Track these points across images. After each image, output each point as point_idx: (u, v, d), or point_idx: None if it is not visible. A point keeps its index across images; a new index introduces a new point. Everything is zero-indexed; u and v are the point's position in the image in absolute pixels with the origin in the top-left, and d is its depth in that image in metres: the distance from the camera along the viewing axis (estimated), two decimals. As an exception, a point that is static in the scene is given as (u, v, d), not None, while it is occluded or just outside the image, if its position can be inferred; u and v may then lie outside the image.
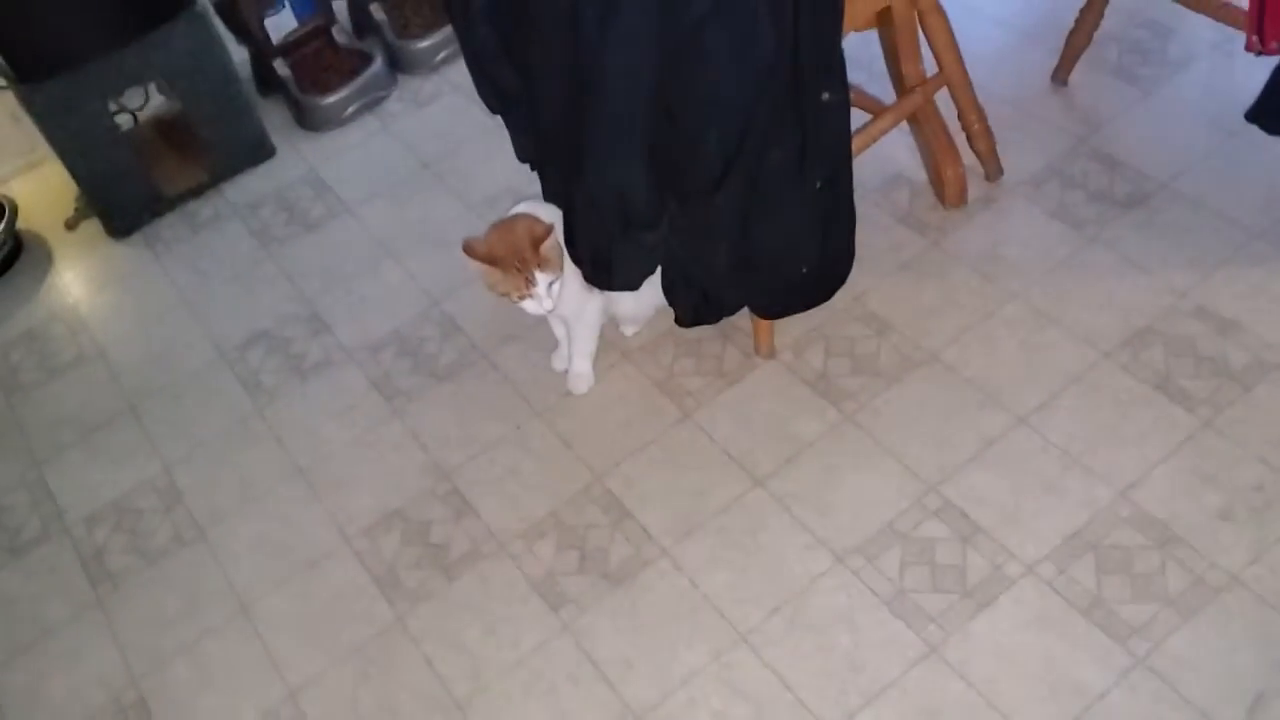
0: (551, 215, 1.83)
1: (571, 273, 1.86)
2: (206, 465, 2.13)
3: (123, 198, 2.64)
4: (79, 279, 2.64)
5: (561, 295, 1.82)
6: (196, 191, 2.69)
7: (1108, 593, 1.61)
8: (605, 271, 1.85)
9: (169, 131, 2.82)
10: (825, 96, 1.67)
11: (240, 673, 1.81)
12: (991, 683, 1.56)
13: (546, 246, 1.76)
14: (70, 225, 2.75)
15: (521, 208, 1.83)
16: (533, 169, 1.97)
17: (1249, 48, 1.88)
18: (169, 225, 2.66)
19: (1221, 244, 2.01)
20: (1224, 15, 1.98)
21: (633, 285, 1.89)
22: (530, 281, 1.78)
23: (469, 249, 1.76)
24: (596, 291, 1.93)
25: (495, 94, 1.87)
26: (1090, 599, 1.61)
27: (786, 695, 1.61)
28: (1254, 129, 1.90)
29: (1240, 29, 1.92)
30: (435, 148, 2.65)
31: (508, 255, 1.76)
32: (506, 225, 1.79)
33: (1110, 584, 1.62)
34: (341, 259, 2.45)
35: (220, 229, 2.60)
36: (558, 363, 2.10)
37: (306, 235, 2.52)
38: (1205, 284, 1.95)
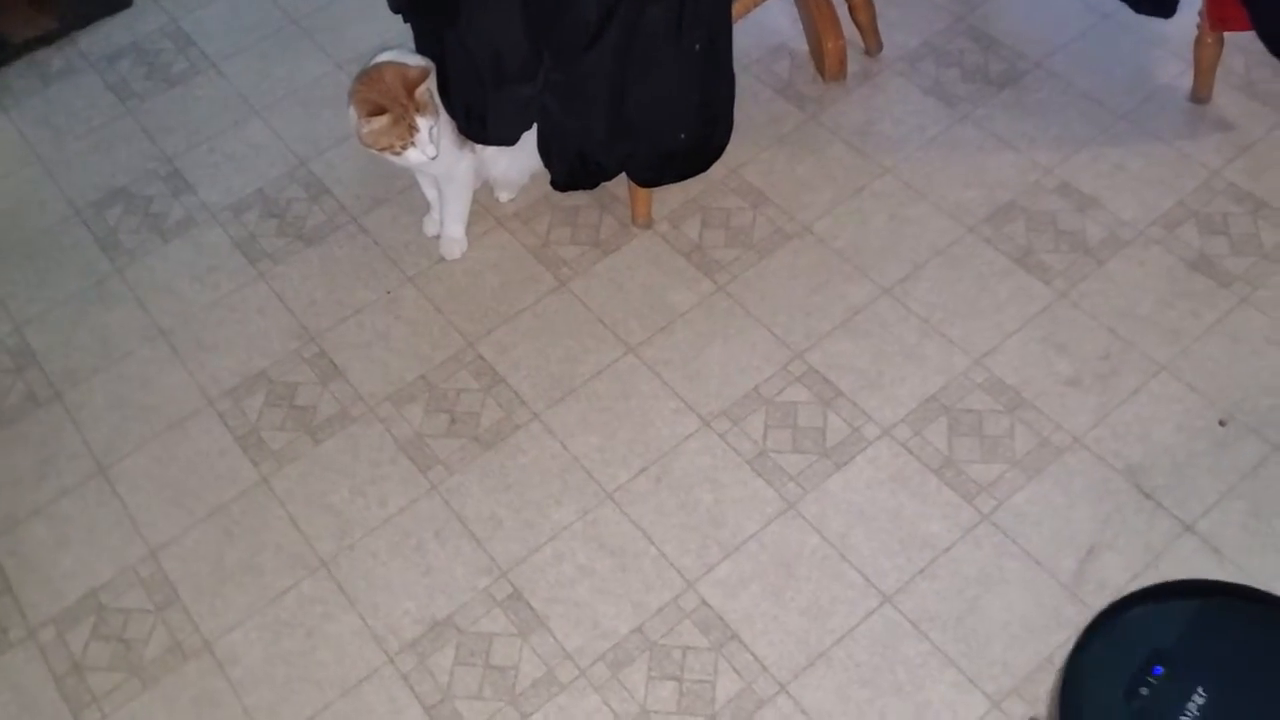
0: (416, 63, 1.77)
1: (446, 125, 1.82)
2: (62, 325, 2.04)
3: (-37, 42, 2.47)
4: (-81, 131, 2.48)
5: (440, 143, 1.78)
6: (46, 39, 2.53)
7: (958, 454, 1.68)
8: (480, 124, 1.81)
9: (15, -26, 2.63)
10: (704, -47, 1.64)
11: (99, 532, 1.77)
12: (845, 537, 1.62)
13: (421, 90, 1.71)
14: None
15: (384, 57, 1.77)
16: (405, 20, 1.90)
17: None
18: (17, 75, 2.50)
19: (1087, 123, 2.06)
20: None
21: (508, 140, 1.85)
22: (413, 128, 1.73)
23: (362, 105, 1.70)
24: (469, 149, 1.89)
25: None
26: (942, 459, 1.68)
27: (650, 549, 1.65)
28: (1125, 11, 1.93)
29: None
30: (303, 2, 2.53)
31: (385, 102, 1.71)
32: (373, 75, 1.73)
33: (961, 445, 1.68)
34: (204, 116, 2.34)
35: (74, 82, 2.46)
36: (429, 227, 2.06)
37: (167, 90, 2.41)
38: (1069, 162, 2.01)
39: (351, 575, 1.68)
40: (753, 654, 1.54)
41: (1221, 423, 1.66)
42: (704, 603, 1.59)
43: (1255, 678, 1.25)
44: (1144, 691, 1.23)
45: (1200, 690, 1.23)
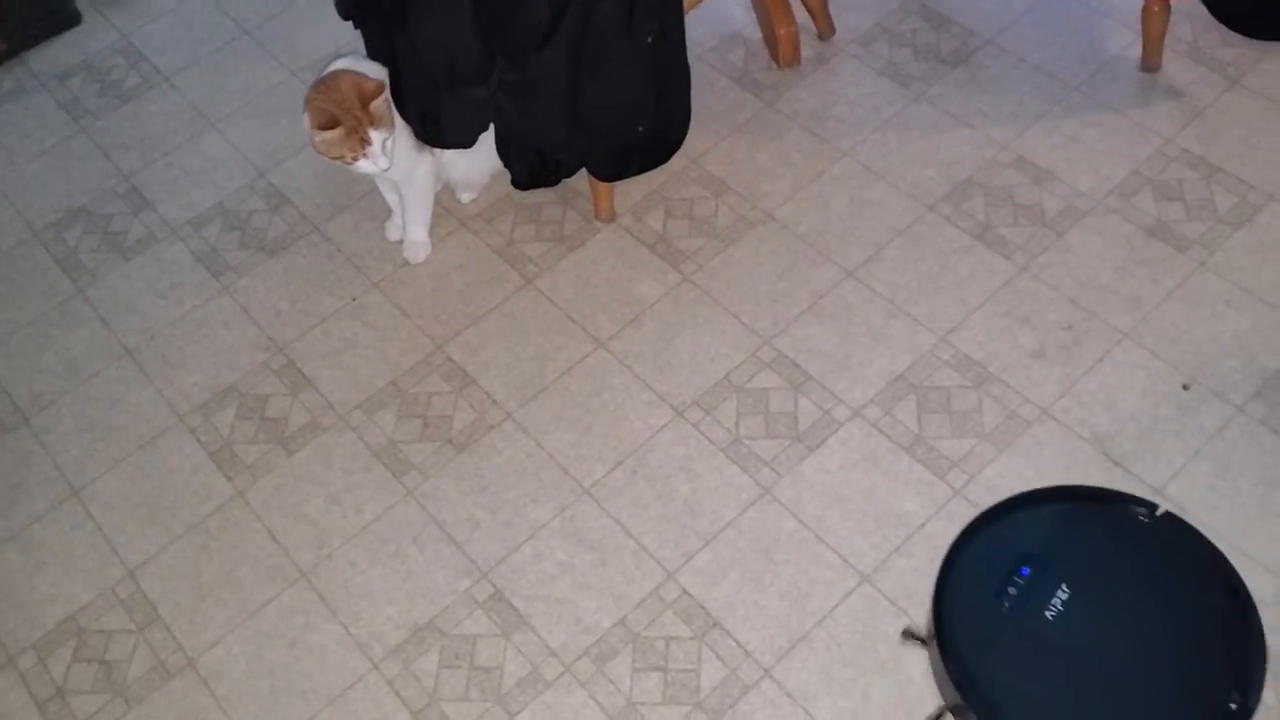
0: (370, 70, 1.77)
1: (403, 130, 1.81)
2: (26, 349, 2.03)
3: (-88, 69, 2.44)
4: None
5: (394, 154, 1.78)
6: (-5, 62, 2.51)
7: (928, 430, 1.69)
8: (436, 127, 1.81)
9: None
10: (652, -54, 1.64)
11: (75, 555, 1.76)
12: (820, 519, 1.64)
13: (377, 104, 1.71)
14: None
15: (339, 64, 1.76)
16: (355, 26, 1.89)
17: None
18: (-33, 99, 2.48)
19: (1040, 97, 2.08)
20: None
21: (465, 142, 1.85)
22: (365, 140, 1.73)
23: (316, 115, 1.69)
24: (428, 153, 1.88)
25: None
26: (912, 437, 1.69)
27: (629, 542, 1.66)
28: (1070, -17, 1.96)
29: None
30: (254, 12, 2.51)
31: (339, 114, 1.70)
32: (330, 84, 1.72)
33: (931, 422, 1.70)
34: (160, 131, 2.33)
35: (24, 102, 2.43)
36: (392, 232, 2.06)
37: (121, 107, 2.39)
38: (1024, 136, 2.02)
39: (331, 584, 1.68)
40: (735, 640, 1.55)
41: (1185, 387, 1.68)
42: (685, 592, 1.60)
43: (1112, 574, 1.40)
44: (1012, 591, 1.38)
45: (1064, 587, 1.38)
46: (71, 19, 2.56)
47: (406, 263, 2.03)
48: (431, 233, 2.03)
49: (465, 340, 1.92)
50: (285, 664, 1.62)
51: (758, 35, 2.27)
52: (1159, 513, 1.44)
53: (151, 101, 2.39)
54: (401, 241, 2.03)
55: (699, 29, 2.23)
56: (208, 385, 1.93)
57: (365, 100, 1.70)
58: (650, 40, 1.76)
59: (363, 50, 1.90)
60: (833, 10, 2.23)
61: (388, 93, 1.74)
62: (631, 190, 2.06)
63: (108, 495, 1.82)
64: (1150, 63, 2.07)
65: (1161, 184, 1.92)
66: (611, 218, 2.04)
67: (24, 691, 1.64)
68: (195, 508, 1.79)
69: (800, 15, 2.21)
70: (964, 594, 1.41)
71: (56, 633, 1.69)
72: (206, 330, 2.00)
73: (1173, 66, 2.08)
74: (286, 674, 1.61)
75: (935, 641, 1.39)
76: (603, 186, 2.00)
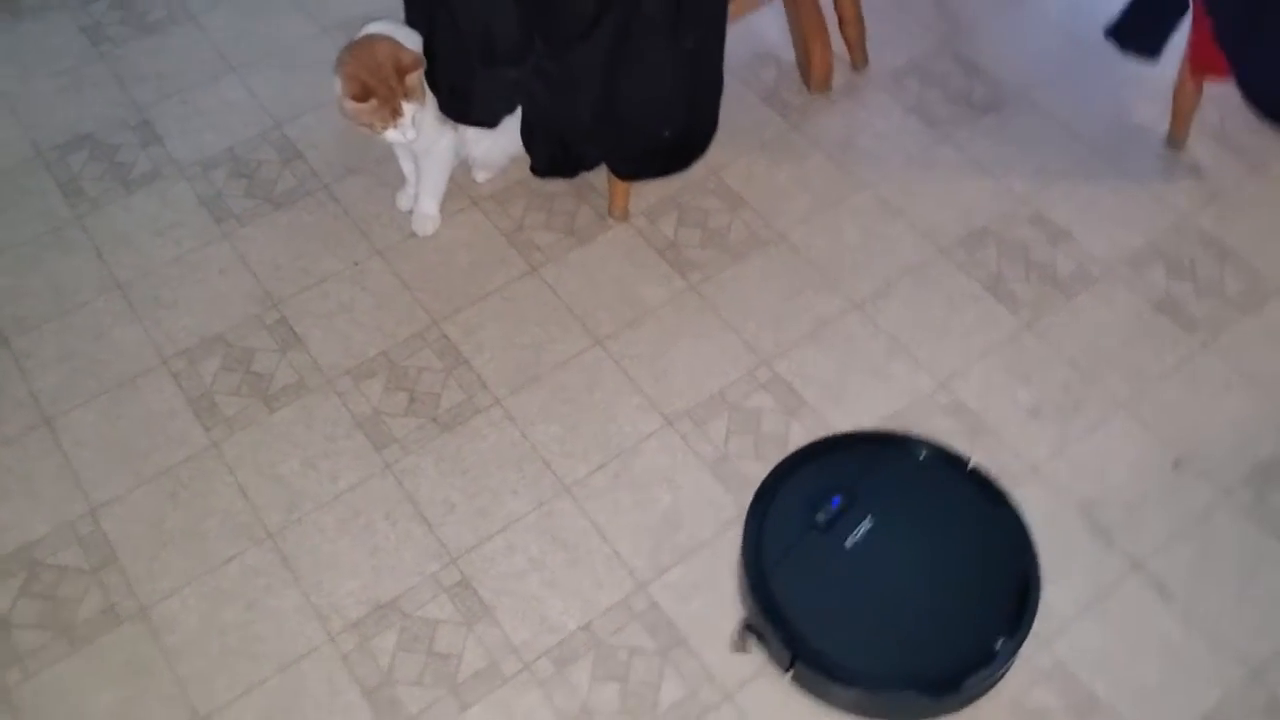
0: (406, 38, 1.74)
1: (430, 102, 1.79)
2: (15, 270, 1.98)
3: (-67, -29, 2.39)
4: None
5: (421, 125, 1.76)
6: (20, -26, 2.46)
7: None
8: (463, 102, 1.79)
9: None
10: (707, -47, 1.63)
11: (38, 485, 1.73)
12: (800, 549, 1.62)
13: (413, 77, 1.68)
14: None
15: (375, 28, 1.74)
16: (396, -10, 1.87)
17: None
18: (-13, 8, 2.43)
19: (1065, 156, 2.08)
20: (1098, -69, 2.02)
21: (491, 121, 1.83)
22: (397, 112, 1.70)
23: (350, 84, 1.67)
24: (450, 126, 1.86)
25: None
26: (901, 478, 1.68)
27: (604, 546, 1.64)
28: (1110, 50, 1.95)
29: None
30: (292, -39, 2.49)
31: (374, 84, 1.68)
32: (365, 49, 1.69)
33: (921, 466, 1.69)
34: (179, 68, 2.29)
35: (46, 20, 2.38)
36: (403, 201, 2.03)
37: (143, 38, 2.34)
38: (1045, 193, 2.02)
39: (297, 549, 1.65)
40: (699, 661, 1.53)
41: (1175, 464, 1.68)
42: (654, 605, 1.58)
43: (915, 516, 1.55)
44: (821, 517, 1.53)
45: (869, 517, 1.53)
46: (103, -58, 2.51)
47: (414, 234, 2.00)
48: (443, 208, 2.01)
49: (463, 319, 1.90)
50: (240, 624, 1.59)
51: (792, 56, 2.26)
52: (970, 466, 1.60)
53: (174, 37, 2.35)
54: (411, 212, 2.01)
55: (736, 43, 2.19)
56: (196, 330, 1.89)
57: (402, 72, 1.67)
58: (690, 46, 1.74)
59: (398, 14, 1.88)
60: (869, 43, 2.23)
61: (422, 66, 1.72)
62: (648, 192, 2.04)
63: (80, 428, 1.79)
64: (1177, 138, 2.08)
65: (1174, 260, 1.92)
66: (625, 217, 2.02)
67: (-31, 617, 1.60)
68: (168, 453, 1.75)
69: (836, 43, 2.20)
70: (778, 515, 1.55)
71: (8, 562, 1.65)
72: (202, 275, 1.97)
73: (1198, 145, 2.08)
74: (240, 635, 1.58)
75: (741, 556, 1.53)
76: (620, 184, 1.98)
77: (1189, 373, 1.79)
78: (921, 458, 1.60)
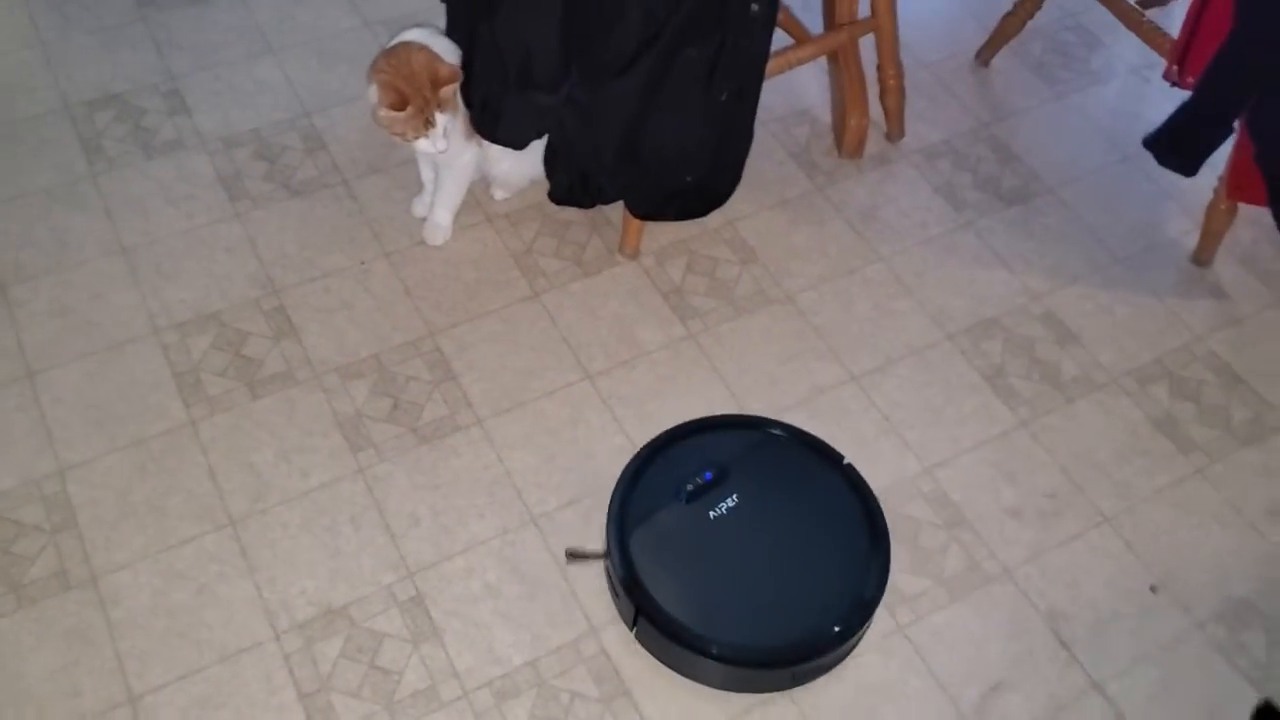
0: (443, 48, 1.74)
1: (460, 115, 1.78)
2: (23, 217, 1.98)
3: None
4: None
5: (449, 139, 1.75)
6: (77, -73, 2.46)
7: (892, 561, 1.66)
8: (493, 121, 1.78)
9: None
10: (754, 8, 1.63)
11: (10, 437, 1.71)
12: (759, 617, 1.60)
13: (448, 90, 1.68)
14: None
15: (412, 34, 1.73)
16: (442, 0, 1.86)
17: (1166, 76, 1.91)
18: (40, -45, 2.44)
19: (1085, 260, 2.06)
20: (1152, 39, 2.00)
21: (518, 143, 1.82)
22: (430, 124, 1.70)
23: (386, 92, 1.66)
24: (475, 141, 1.85)
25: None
26: (872, 561, 1.66)
27: (562, 584, 1.61)
28: (1147, 158, 1.93)
29: (1164, 56, 1.94)
30: (348, -48, 2.49)
31: (410, 93, 1.67)
32: (402, 57, 1.69)
33: (896, 552, 1.66)
34: (218, 42, 2.29)
35: (95, -26, 2.39)
36: (418, 208, 2.02)
37: (186, 6, 2.35)
38: (1059, 293, 2.00)
39: (257, 541, 1.63)
40: (640, 715, 1.51)
41: (1153, 589, 1.66)
42: (604, 652, 1.56)
43: (780, 493, 1.62)
44: (690, 489, 1.59)
45: (736, 495, 1.60)
46: (165, -94, 2.52)
47: (424, 242, 1.99)
48: (456, 220, 2.00)
49: (458, 334, 1.88)
50: (188, 608, 1.57)
51: (827, 118, 2.25)
52: (844, 463, 1.65)
53: (219, 10, 2.35)
54: (425, 220, 2.00)
55: (771, 96, 2.20)
56: (193, 305, 1.88)
57: (438, 84, 1.67)
58: (725, 96, 1.73)
59: (440, 22, 1.87)
60: (907, 116, 2.22)
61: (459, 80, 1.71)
62: (660, 234, 2.03)
63: (61, 386, 1.77)
64: (1202, 256, 2.06)
65: (1181, 379, 1.90)
66: (635, 255, 2.01)
67: (-83, 561, 1.58)
68: (145, 424, 1.74)
69: (875, 110, 2.19)
70: (650, 487, 1.61)
71: (-32, 510, 1.63)
72: (208, 250, 1.96)
73: (1223, 267, 2.06)
74: (186, 618, 1.56)
75: (607, 512, 1.59)
76: (635, 223, 1.97)
77: (1179, 496, 1.76)
78: (798, 447, 1.68)
